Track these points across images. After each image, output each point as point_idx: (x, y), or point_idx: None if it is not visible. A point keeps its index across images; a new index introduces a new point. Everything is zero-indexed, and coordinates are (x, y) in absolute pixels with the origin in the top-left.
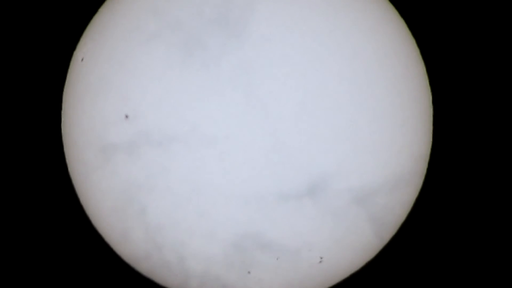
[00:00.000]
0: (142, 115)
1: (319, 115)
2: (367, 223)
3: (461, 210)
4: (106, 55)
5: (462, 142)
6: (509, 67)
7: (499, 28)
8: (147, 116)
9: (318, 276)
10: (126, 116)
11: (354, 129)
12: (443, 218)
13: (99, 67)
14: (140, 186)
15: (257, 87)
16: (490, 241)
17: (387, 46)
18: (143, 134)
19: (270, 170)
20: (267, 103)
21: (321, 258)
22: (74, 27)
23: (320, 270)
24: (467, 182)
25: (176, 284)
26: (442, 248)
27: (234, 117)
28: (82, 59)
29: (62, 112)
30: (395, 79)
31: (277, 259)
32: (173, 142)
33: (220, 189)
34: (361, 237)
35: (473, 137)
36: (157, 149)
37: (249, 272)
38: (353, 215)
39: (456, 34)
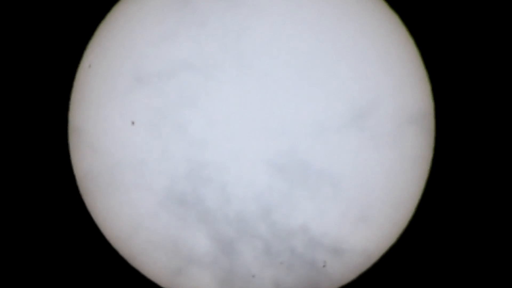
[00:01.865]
0: (181, 43)
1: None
2: (424, 137)
3: (463, 211)
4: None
5: (464, 141)
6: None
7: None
8: (185, 43)
9: (389, 198)
10: (132, 123)
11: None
12: (447, 218)
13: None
14: (179, 105)
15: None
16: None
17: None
18: (182, 61)
19: (313, 99)
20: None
21: (325, 262)
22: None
23: (383, 192)
24: (470, 181)
25: (217, 206)
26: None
27: (276, 49)
28: (90, 66)
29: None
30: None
31: (320, 187)
32: (215, 69)
33: (261, 116)
34: (417, 152)
35: (474, 133)
36: (198, 74)
37: (253, 276)
38: (407, 133)
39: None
